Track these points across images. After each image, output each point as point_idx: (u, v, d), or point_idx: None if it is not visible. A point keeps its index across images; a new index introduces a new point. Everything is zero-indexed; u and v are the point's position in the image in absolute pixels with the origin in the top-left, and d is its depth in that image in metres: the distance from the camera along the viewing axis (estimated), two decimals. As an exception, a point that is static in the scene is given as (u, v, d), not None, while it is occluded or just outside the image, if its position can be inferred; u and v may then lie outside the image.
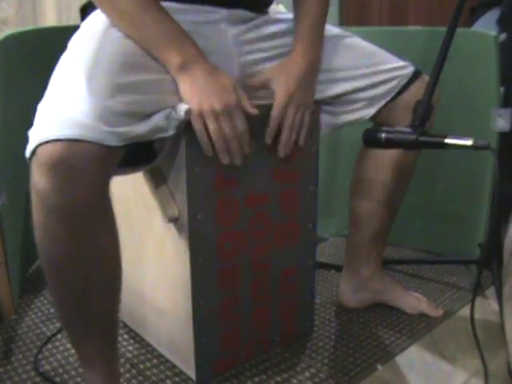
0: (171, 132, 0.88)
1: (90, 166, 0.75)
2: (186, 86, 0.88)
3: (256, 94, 1.00)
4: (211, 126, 0.87)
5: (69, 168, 0.74)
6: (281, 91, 0.97)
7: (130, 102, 0.82)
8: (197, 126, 0.88)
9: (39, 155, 0.76)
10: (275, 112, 0.97)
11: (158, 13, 0.88)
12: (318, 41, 1.04)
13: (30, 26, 1.79)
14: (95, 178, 0.77)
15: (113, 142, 0.78)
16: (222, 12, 1.01)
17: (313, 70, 1.02)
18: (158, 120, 0.86)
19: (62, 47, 0.90)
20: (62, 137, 0.75)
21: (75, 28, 0.95)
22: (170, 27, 0.88)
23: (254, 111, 0.90)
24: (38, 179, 0.76)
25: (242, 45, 1.03)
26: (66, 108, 0.78)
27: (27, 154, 0.79)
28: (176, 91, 0.89)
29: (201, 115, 0.87)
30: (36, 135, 0.77)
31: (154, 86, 0.87)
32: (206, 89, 0.87)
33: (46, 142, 0.75)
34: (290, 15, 1.09)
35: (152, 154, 0.93)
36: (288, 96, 0.97)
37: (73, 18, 1.94)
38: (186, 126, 0.89)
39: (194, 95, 0.87)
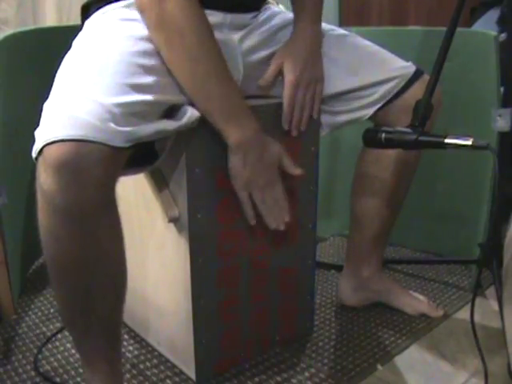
0: (181, 126, 0.89)
1: (96, 167, 0.75)
2: (239, 160, 0.93)
3: (273, 89, 1.06)
4: (256, 197, 0.96)
5: (75, 169, 0.74)
6: (289, 76, 1.02)
7: (136, 101, 0.82)
8: (242, 198, 0.96)
9: (46, 156, 0.75)
10: (286, 99, 1.02)
11: (229, 84, 0.89)
12: (319, 15, 1.07)
13: (30, 26, 1.79)
14: (101, 179, 0.76)
15: (119, 142, 0.78)
16: (226, 17, 1.01)
17: (318, 44, 1.06)
18: (165, 121, 0.86)
19: (63, 47, 0.90)
20: (68, 137, 0.75)
21: (76, 28, 0.95)
22: (235, 101, 0.90)
23: (298, 172, 0.99)
24: (44, 180, 0.75)
25: (246, 46, 1.04)
26: (72, 108, 0.78)
27: (33, 154, 0.78)
28: (181, 90, 0.89)
29: (247, 187, 0.95)
30: (42, 135, 0.77)
31: (160, 86, 0.86)
32: (257, 166, 0.94)
33: (53, 143, 0.75)
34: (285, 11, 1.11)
35: (153, 155, 0.93)
36: (296, 79, 1.02)
37: (73, 17, 1.94)
38: (188, 127, 0.89)
39: (245, 171, 0.93)
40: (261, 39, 1.06)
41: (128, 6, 0.92)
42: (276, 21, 1.08)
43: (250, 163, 0.93)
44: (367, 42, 1.13)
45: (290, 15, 1.10)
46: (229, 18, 1.01)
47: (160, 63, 0.87)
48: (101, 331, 0.88)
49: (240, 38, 1.03)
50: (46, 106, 0.82)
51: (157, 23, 0.86)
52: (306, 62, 1.03)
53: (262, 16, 1.08)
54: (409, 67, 1.12)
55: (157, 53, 0.87)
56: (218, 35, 0.98)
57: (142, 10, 0.87)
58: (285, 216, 1.00)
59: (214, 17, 0.99)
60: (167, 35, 0.86)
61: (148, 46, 0.87)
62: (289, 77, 1.02)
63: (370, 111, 1.12)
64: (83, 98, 0.79)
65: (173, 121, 0.88)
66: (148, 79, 0.85)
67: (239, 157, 0.92)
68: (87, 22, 0.95)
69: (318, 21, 1.07)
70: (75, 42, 0.91)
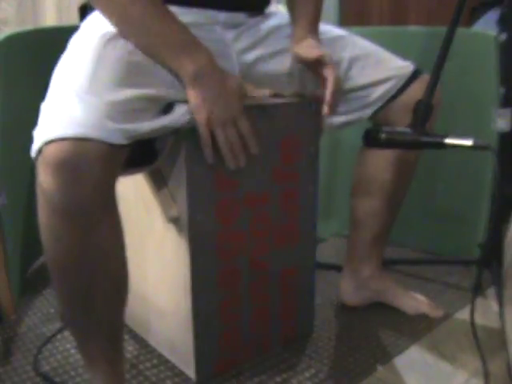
0: (177, 124, 0.88)
1: (95, 165, 0.75)
2: (196, 95, 0.87)
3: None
4: (220, 135, 0.89)
5: (74, 168, 0.74)
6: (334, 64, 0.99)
7: (133, 98, 0.82)
8: (204, 134, 0.89)
9: (45, 155, 0.76)
10: (334, 81, 0.97)
11: (169, 19, 0.86)
12: (317, 22, 1.05)
13: (29, 26, 1.79)
14: (101, 177, 0.76)
15: (118, 139, 0.78)
16: (220, 16, 1.01)
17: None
18: (162, 118, 0.87)
19: (62, 47, 0.90)
20: (67, 135, 0.75)
21: (75, 28, 0.95)
22: (182, 35, 0.87)
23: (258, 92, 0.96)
24: (44, 179, 0.75)
25: (241, 45, 1.03)
26: (70, 106, 0.78)
27: (32, 153, 0.79)
28: (180, 86, 0.88)
29: (208, 124, 0.88)
30: (41, 135, 0.77)
31: (156, 83, 0.87)
32: (216, 99, 0.87)
33: (52, 142, 0.75)
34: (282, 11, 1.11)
35: (153, 155, 0.93)
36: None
37: (73, 17, 1.94)
38: (186, 124, 0.89)
39: (204, 105, 0.87)
40: (256, 38, 1.05)
41: None
42: (273, 21, 1.08)
43: (210, 97, 0.87)
44: (366, 42, 1.13)
45: (287, 15, 1.10)
46: (222, 16, 1.01)
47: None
48: (102, 331, 0.88)
49: (234, 37, 1.03)
50: (44, 106, 0.82)
51: None
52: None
53: (259, 15, 1.08)
54: (408, 66, 1.12)
55: None
56: (211, 34, 0.98)
57: None
58: (252, 150, 0.93)
59: (206, 15, 0.99)
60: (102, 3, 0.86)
61: None
62: (331, 62, 0.98)
63: (370, 111, 1.12)
64: (80, 96, 0.79)
65: (170, 119, 0.88)
66: (144, 76, 0.85)
67: (197, 90, 0.87)
68: (83, 24, 0.95)
69: (316, 29, 1.05)
70: (71, 42, 0.91)
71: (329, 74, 0.97)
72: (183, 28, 0.87)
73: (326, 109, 0.97)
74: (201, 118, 0.88)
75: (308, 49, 1.00)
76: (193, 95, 0.87)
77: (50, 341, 1.19)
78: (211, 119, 0.88)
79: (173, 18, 0.87)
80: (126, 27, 0.86)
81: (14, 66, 1.29)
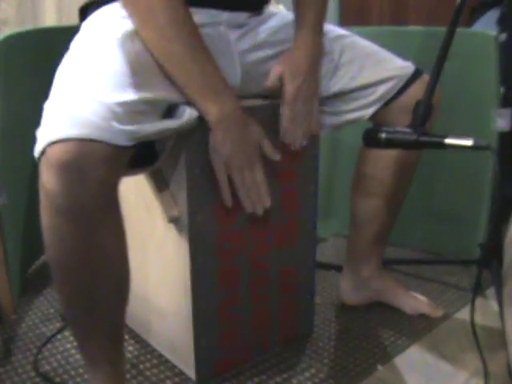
0: (181, 125, 0.88)
1: (99, 166, 0.75)
2: (219, 137, 0.90)
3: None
4: (236, 178, 0.93)
5: (78, 169, 0.74)
6: (289, 87, 0.99)
7: (138, 99, 0.81)
8: (220, 176, 0.93)
9: (48, 155, 0.75)
10: (287, 111, 1.00)
11: (206, 62, 0.88)
12: (321, 26, 1.04)
13: (29, 26, 1.79)
14: (104, 178, 0.76)
15: (122, 141, 0.78)
16: (223, 15, 1.01)
17: (318, 57, 1.04)
18: (167, 121, 0.87)
19: (62, 47, 0.90)
20: (71, 136, 0.74)
21: (75, 28, 0.95)
22: (214, 79, 0.88)
23: (277, 158, 0.98)
24: (47, 180, 0.75)
25: (243, 46, 1.04)
26: (75, 107, 0.78)
27: (36, 154, 0.78)
28: (181, 89, 0.89)
29: (226, 168, 0.92)
30: (45, 135, 0.77)
31: (161, 85, 0.87)
32: (236, 144, 0.91)
33: (56, 142, 0.75)
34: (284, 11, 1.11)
35: (154, 155, 0.93)
36: (296, 90, 0.99)
37: (73, 17, 1.93)
38: (188, 126, 0.89)
39: (224, 148, 0.91)
40: (259, 39, 1.05)
41: None
42: (274, 21, 1.08)
43: (230, 140, 0.90)
44: (366, 42, 1.13)
45: (289, 15, 1.10)
46: (225, 16, 1.01)
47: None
48: (103, 331, 0.88)
49: (237, 38, 1.03)
50: (47, 106, 0.82)
51: (131, 4, 0.86)
52: (305, 75, 1.00)
53: (260, 16, 1.08)
54: (408, 67, 1.12)
55: None
56: (214, 33, 0.98)
57: None
58: (265, 201, 0.97)
59: (209, 15, 0.99)
60: (141, 15, 0.85)
61: None
62: (289, 87, 0.99)
63: (370, 111, 1.12)
64: (85, 97, 0.79)
65: (173, 121, 0.88)
66: (148, 77, 0.85)
67: (219, 133, 0.90)
68: (84, 24, 0.95)
69: (320, 32, 1.04)
70: (73, 43, 0.91)
71: (283, 104, 1.00)
72: (216, 71, 0.89)
73: (285, 139, 1.02)
74: (219, 159, 0.92)
75: (273, 75, 1.02)
76: (214, 139, 0.91)
77: (50, 341, 1.19)
78: (229, 162, 0.92)
79: (210, 59, 0.88)
80: (164, 58, 0.87)
81: (14, 66, 1.29)
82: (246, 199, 0.96)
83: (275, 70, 1.01)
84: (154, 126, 0.84)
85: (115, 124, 0.77)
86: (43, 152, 0.77)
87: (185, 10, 0.86)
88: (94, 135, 0.75)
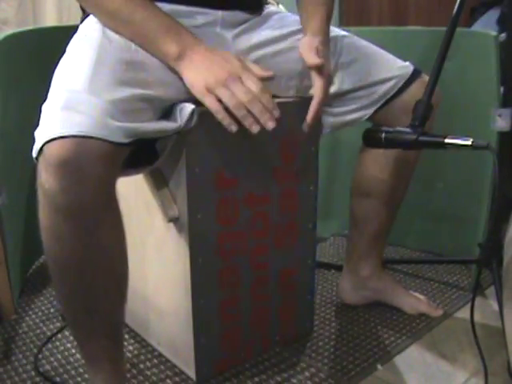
0: (180, 125, 0.88)
1: (97, 164, 0.75)
2: (187, 71, 0.86)
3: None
4: (222, 95, 0.82)
5: (76, 167, 0.74)
6: (326, 72, 0.94)
7: (134, 96, 0.82)
8: (208, 102, 0.84)
9: (46, 154, 0.75)
10: (322, 93, 0.93)
11: (147, 9, 0.87)
12: (328, 29, 1.03)
13: (29, 26, 1.79)
14: (102, 176, 0.76)
15: (119, 138, 0.78)
16: (217, 14, 1.00)
17: (328, 46, 1.01)
18: (165, 122, 0.87)
19: (62, 47, 0.90)
20: (68, 134, 0.74)
21: (75, 28, 0.95)
22: (161, 20, 0.87)
23: (267, 73, 0.86)
24: (46, 179, 0.75)
25: (240, 46, 1.03)
26: (71, 105, 0.78)
27: (34, 153, 0.78)
28: (180, 86, 0.89)
29: (209, 90, 0.83)
30: (42, 134, 0.77)
31: (156, 83, 0.87)
32: (207, 65, 0.84)
33: (53, 140, 0.75)
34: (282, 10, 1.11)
35: (154, 155, 0.93)
36: (329, 76, 0.96)
37: (73, 17, 1.94)
38: (185, 127, 0.89)
39: (197, 76, 0.84)
40: (257, 39, 1.05)
41: None
42: (273, 21, 1.08)
43: (199, 66, 0.85)
44: (365, 43, 1.13)
45: (288, 15, 1.10)
46: (220, 15, 1.01)
47: (155, 60, 0.88)
48: (103, 330, 0.88)
49: (234, 36, 1.03)
50: (45, 106, 0.82)
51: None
52: (323, 37, 0.97)
53: (258, 16, 1.08)
54: (407, 67, 1.12)
55: None
56: (210, 34, 0.98)
57: None
58: (271, 109, 0.84)
59: (205, 15, 0.99)
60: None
61: None
62: (326, 73, 0.94)
63: (370, 111, 1.12)
64: (81, 95, 0.79)
65: (172, 122, 0.88)
66: (144, 75, 0.86)
67: (184, 67, 0.86)
68: (81, 26, 0.95)
69: (328, 32, 1.03)
70: (71, 43, 0.91)
71: (318, 86, 0.94)
72: (164, 14, 0.88)
73: (308, 118, 0.95)
74: (198, 88, 0.84)
75: (309, 53, 0.94)
76: (184, 74, 0.86)
77: (50, 340, 1.19)
78: (209, 84, 0.83)
79: (151, 6, 0.88)
80: (108, 20, 0.89)
81: (14, 66, 1.29)
82: (247, 117, 0.83)
83: (309, 43, 0.95)
84: (151, 125, 0.84)
85: (111, 121, 0.77)
86: (41, 151, 0.77)
87: None
88: (91, 132, 0.75)
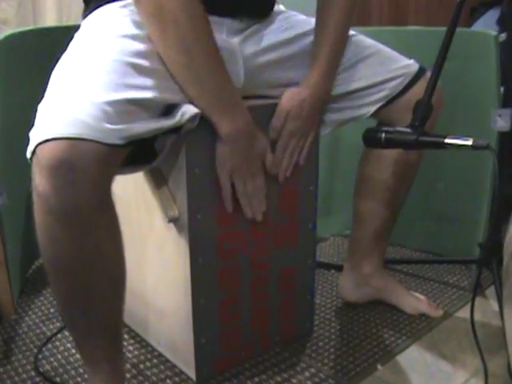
0: (174, 126, 0.88)
1: (91, 167, 0.74)
2: (227, 150, 0.94)
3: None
4: (239, 187, 0.97)
5: (70, 170, 0.73)
6: (288, 126, 1.02)
7: (130, 99, 0.81)
8: (225, 186, 0.97)
9: (39, 156, 0.75)
10: (279, 143, 1.02)
11: (222, 76, 0.89)
12: (334, 69, 1.06)
13: (29, 26, 1.79)
14: (97, 179, 0.75)
15: (115, 140, 0.77)
16: (225, 22, 1.00)
17: (325, 100, 1.07)
18: (161, 120, 0.86)
19: (62, 47, 0.90)
20: (62, 135, 0.74)
21: (76, 28, 0.95)
22: (227, 93, 0.91)
23: (274, 171, 1.03)
24: (39, 181, 0.74)
25: (247, 51, 1.03)
26: (65, 107, 0.77)
27: (28, 154, 0.78)
28: (177, 89, 0.88)
29: (229, 171, 0.95)
30: (36, 135, 0.76)
31: (155, 86, 0.86)
32: (243, 157, 0.95)
33: (47, 141, 0.74)
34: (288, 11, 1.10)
35: (153, 154, 0.93)
36: (294, 131, 1.02)
37: (73, 17, 1.94)
38: (186, 127, 0.89)
39: (232, 160, 0.94)
40: (263, 44, 1.04)
41: (125, 6, 0.92)
42: (279, 23, 1.07)
43: (237, 153, 0.94)
44: (371, 41, 1.13)
45: (293, 14, 1.10)
46: (226, 22, 1.00)
47: (155, 63, 0.87)
48: (101, 331, 0.88)
49: (240, 42, 1.02)
50: (41, 106, 0.81)
51: (152, 12, 0.85)
52: (307, 117, 1.03)
53: (262, 20, 1.07)
54: (412, 65, 1.12)
55: (151, 53, 0.87)
56: (217, 41, 0.98)
57: (137, 0, 0.86)
58: (262, 207, 1.02)
59: (211, 21, 0.98)
60: (162, 25, 0.85)
61: (143, 46, 0.87)
62: (288, 125, 1.01)
63: (373, 109, 1.12)
64: (76, 97, 0.78)
65: (168, 119, 0.87)
66: (142, 79, 0.84)
67: (228, 146, 0.93)
68: (83, 22, 0.95)
69: (333, 74, 1.06)
70: (72, 42, 0.91)
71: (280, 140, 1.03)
72: (229, 84, 0.91)
73: (273, 170, 1.03)
74: (225, 170, 0.95)
75: (278, 115, 1.02)
76: (222, 151, 0.94)
77: (50, 340, 1.19)
78: (234, 173, 0.96)
79: (226, 74, 0.90)
80: (180, 74, 0.88)
81: (14, 66, 1.29)
82: (247, 206, 1.00)
83: (282, 108, 1.01)
84: (146, 126, 0.83)
85: (105, 123, 0.76)
86: (34, 152, 0.76)
87: (207, 23, 0.87)
88: (85, 134, 0.74)
